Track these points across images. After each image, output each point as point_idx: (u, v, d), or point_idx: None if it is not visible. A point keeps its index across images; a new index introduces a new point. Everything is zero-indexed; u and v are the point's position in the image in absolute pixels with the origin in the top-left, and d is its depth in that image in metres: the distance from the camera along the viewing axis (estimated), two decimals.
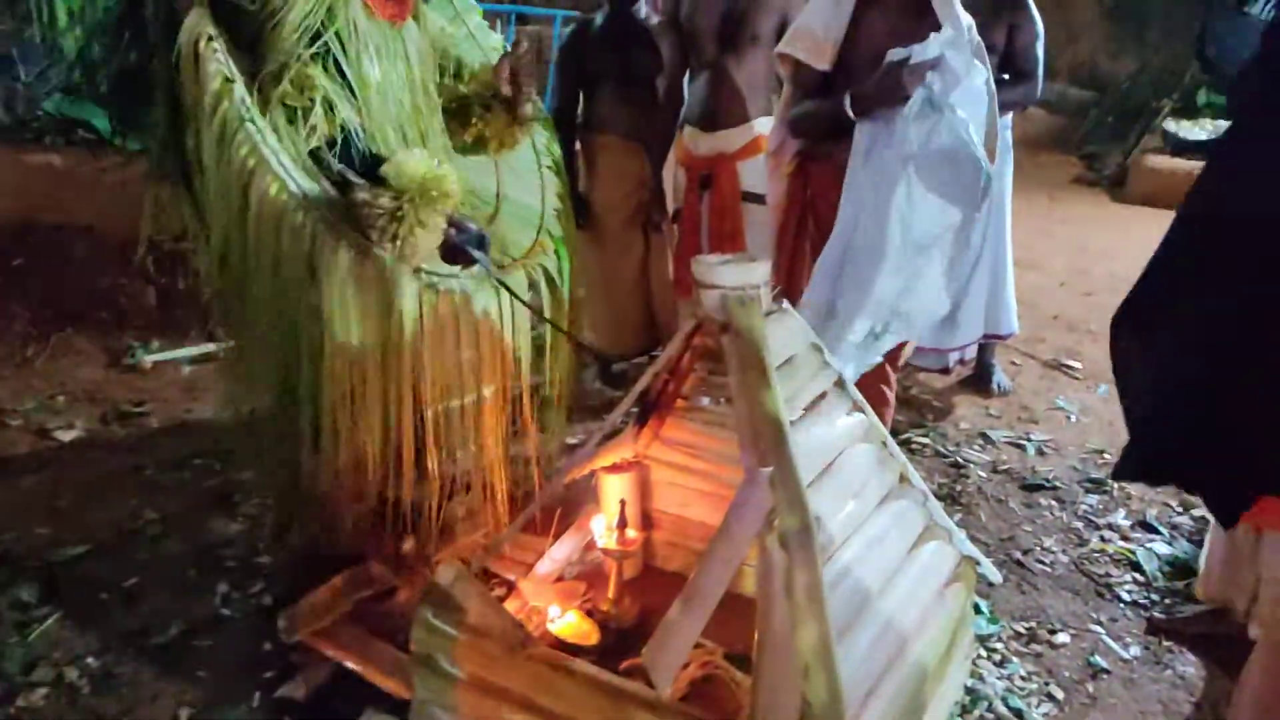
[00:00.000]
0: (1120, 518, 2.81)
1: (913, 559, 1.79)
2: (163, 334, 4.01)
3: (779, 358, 1.69)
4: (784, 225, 2.70)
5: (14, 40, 4.97)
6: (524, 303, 2.19)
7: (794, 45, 2.54)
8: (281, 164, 1.90)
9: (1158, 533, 2.73)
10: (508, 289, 2.14)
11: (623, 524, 2.08)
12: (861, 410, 1.87)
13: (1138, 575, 2.53)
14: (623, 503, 2.10)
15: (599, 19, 3.49)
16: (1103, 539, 2.70)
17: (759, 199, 3.09)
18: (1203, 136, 7.34)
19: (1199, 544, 2.65)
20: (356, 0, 2.01)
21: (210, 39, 1.89)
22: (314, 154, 1.97)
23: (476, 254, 2.04)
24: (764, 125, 3.16)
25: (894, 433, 3.30)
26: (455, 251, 2.03)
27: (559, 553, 2.27)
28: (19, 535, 2.62)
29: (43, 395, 3.53)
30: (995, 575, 2.00)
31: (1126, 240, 6.21)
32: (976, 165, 2.26)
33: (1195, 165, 7.15)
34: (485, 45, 2.44)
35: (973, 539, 2.45)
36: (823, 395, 1.79)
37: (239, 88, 1.89)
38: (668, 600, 1.61)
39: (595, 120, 3.50)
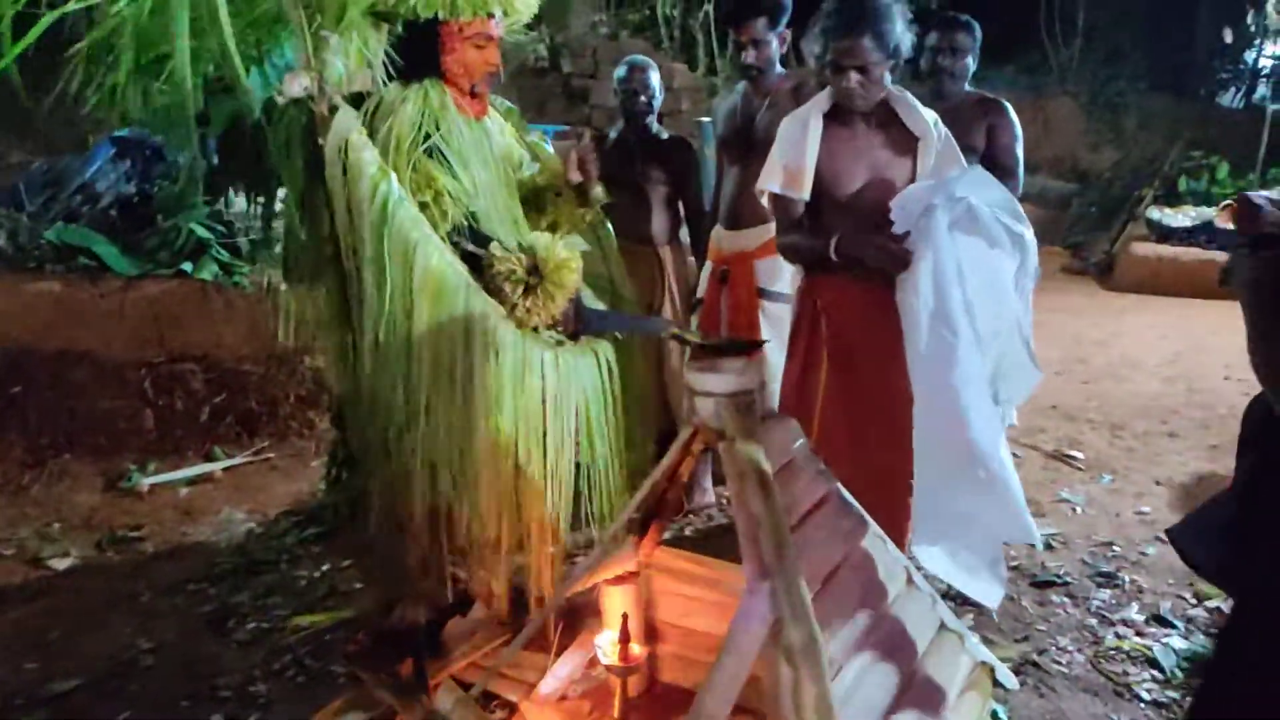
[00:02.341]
0: (1134, 612, 2.75)
1: (925, 668, 1.75)
2: (160, 456, 3.99)
3: (776, 463, 1.68)
4: (794, 336, 2.69)
5: (20, 172, 5.11)
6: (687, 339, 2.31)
7: (771, 181, 2.54)
8: (436, 240, 2.11)
9: (1173, 627, 2.67)
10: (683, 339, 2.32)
11: (626, 638, 2.03)
12: (862, 515, 1.85)
13: (1156, 673, 2.46)
14: (625, 616, 2.06)
15: (613, 132, 3.71)
16: (1118, 635, 2.63)
17: (775, 296, 3.19)
18: (1186, 223, 7.46)
19: (1216, 638, 2.60)
20: (450, 104, 2.26)
21: (359, 134, 2.09)
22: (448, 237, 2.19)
23: (591, 318, 2.29)
24: None
25: None
26: (575, 319, 2.26)
27: (562, 670, 2.21)
28: (9, 671, 2.56)
29: (38, 523, 3.50)
30: (1012, 681, 1.95)
31: (1120, 327, 6.26)
32: (1009, 232, 2.30)
33: (1181, 251, 7.29)
34: (544, 157, 2.61)
35: (986, 641, 2.39)
36: (823, 500, 1.77)
37: (393, 175, 2.08)
38: (676, 718, 1.56)
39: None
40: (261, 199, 2.69)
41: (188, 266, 4.21)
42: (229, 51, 2.03)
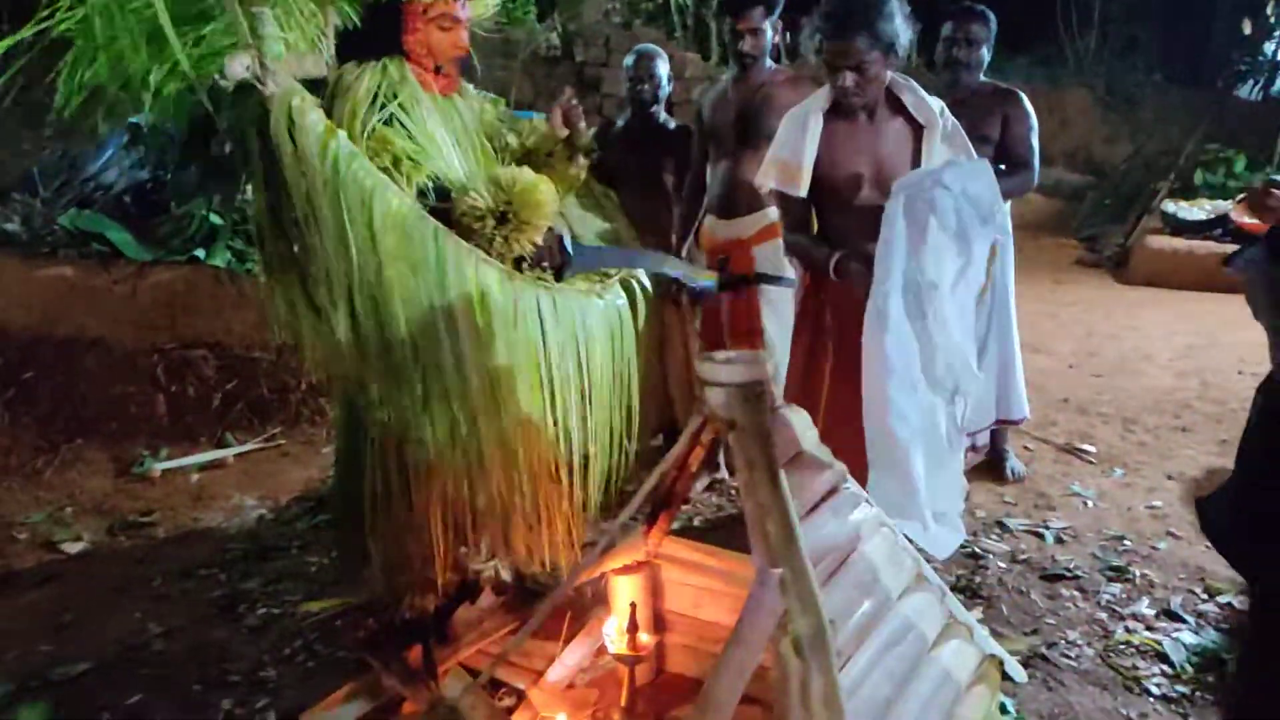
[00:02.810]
0: (1144, 606, 2.74)
1: (933, 660, 1.75)
2: (172, 442, 4.01)
3: (786, 454, 1.67)
4: (799, 326, 2.72)
5: (33, 159, 5.13)
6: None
7: (769, 176, 2.55)
8: (394, 187, 2.03)
9: (1183, 621, 2.65)
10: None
11: (634, 627, 2.04)
12: (871, 504, 1.85)
13: (1165, 667, 2.45)
14: (633, 605, 2.06)
15: (620, 121, 3.75)
16: (1127, 629, 2.62)
17: (774, 280, 3.19)
18: (1201, 217, 7.40)
19: (1227, 632, 2.58)
20: (411, 77, 2.22)
21: (302, 99, 2.01)
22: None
23: (569, 250, 2.18)
24: (776, 213, 3.27)
25: None
26: (559, 251, 2.17)
27: (570, 659, 2.22)
28: (21, 653, 2.58)
29: (51, 507, 3.52)
30: (1020, 674, 1.94)
31: (1133, 321, 6.22)
32: (960, 233, 2.28)
33: (1196, 245, 7.23)
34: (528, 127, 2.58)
35: (995, 634, 2.38)
36: (832, 491, 1.77)
37: (341, 133, 2.01)
38: (683, 707, 1.56)
39: None
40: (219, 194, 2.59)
41: (200, 253, 4.22)
42: (173, 42, 1.93)
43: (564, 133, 2.47)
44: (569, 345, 2.18)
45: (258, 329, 4.18)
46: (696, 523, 3.35)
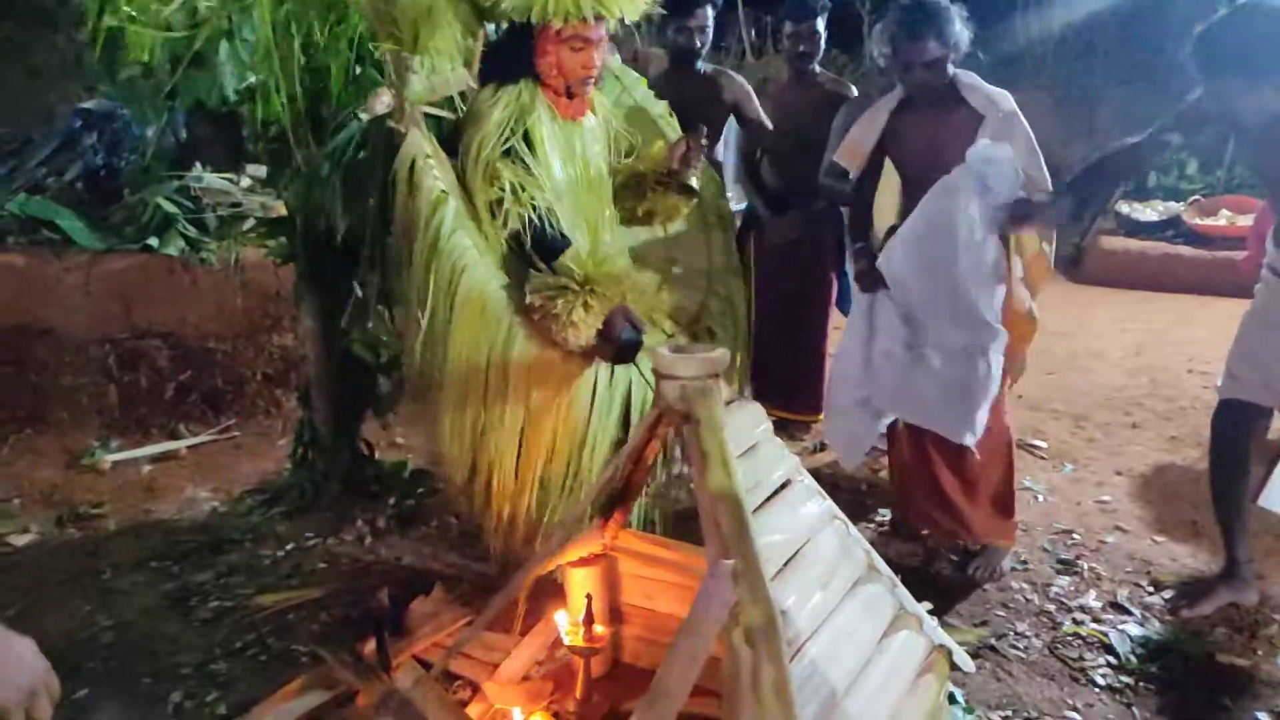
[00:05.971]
0: (1091, 599, 2.79)
1: (883, 649, 1.77)
2: (123, 433, 3.95)
3: (740, 447, 1.69)
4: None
5: None
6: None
7: (842, 157, 2.87)
8: (486, 265, 2.22)
9: (1129, 613, 2.71)
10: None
11: (589, 620, 2.04)
12: (824, 497, 1.87)
13: (1111, 658, 2.50)
14: (589, 598, 2.06)
15: None
16: (1075, 621, 2.68)
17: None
18: (1154, 218, 7.53)
19: (1170, 624, 2.65)
20: (543, 104, 2.31)
21: (426, 157, 2.18)
22: (514, 236, 2.24)
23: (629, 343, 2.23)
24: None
25: (865, 514, 3.29)
26: (614, 346, 2.22)
27: (526, 651, 2.22)
28: None
29: None
30: (968, 664, 1.97)
31: (1085, 319, 6.32)
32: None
33: (1149, 246, 7.36)
34: (653, 113, 2.73)
35: (946, 625, 2.42)
36: (786, 484, 1.78)
37: (452, 200, 2.18)
38: (638, 699, 1.57)
39: None
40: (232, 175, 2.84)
41: (154, 241, 4.15)
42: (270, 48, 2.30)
43: (677, 166, 2.54)
44: (617, 409, 2.35)
45: (213, 319, 4.13)
46: (655, 517, 3.35)
